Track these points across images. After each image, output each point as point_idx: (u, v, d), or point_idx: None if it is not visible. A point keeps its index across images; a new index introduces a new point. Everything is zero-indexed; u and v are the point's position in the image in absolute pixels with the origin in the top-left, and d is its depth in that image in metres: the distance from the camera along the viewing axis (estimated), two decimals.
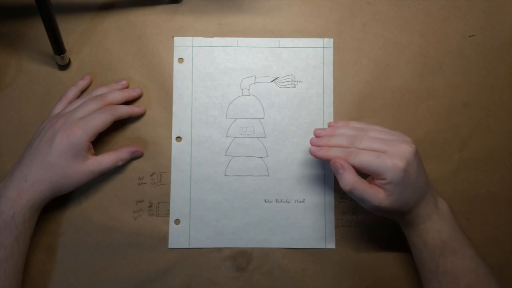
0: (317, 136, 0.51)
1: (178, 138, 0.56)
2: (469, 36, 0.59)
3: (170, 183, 0.56)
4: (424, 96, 0.58)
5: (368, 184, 0.46)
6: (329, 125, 0.53)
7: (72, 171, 0.50)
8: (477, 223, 0.56)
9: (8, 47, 0.57)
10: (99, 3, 0.59)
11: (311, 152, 0.49)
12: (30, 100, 0.57)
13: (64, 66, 0.57)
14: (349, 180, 0.46)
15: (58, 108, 0.54)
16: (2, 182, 0.49)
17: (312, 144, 0.50)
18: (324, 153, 0.49)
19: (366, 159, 0.46)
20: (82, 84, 0.56)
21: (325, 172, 0.56)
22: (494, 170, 0.57)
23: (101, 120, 0.51)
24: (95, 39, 0.58)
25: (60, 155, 0.49)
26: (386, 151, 0.46)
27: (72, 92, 0.56)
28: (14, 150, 0.55)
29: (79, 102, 0.54)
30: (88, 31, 0.58)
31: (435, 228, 0.47)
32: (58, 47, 0.54)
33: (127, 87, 0.57)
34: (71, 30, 0.58)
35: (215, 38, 0.58)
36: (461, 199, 0.57)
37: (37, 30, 0.57)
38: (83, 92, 0.57)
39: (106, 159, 0.53)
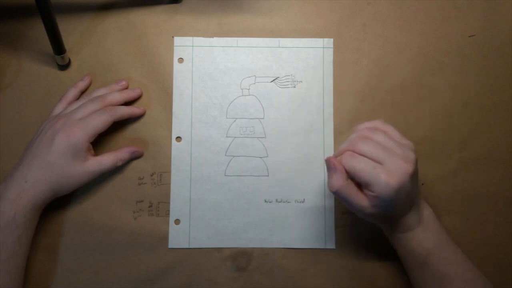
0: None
1: (178, 138, 0.56)
2: (469, 36, 0.59)
3: (170, 183, 0.56)
4: (424, 96, 0.58)
5: (355, 190, 0.45)
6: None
7: (72, 172, 0.50)
8: (477, 223, 0.56)
9: (8, 47, 0.57)
10: (99, 3, 0.59)
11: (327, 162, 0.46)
12: (30, 100, 0.57)
13: (64, 66, 0.57)
14: (337, 182, 0.44)
15: (58, 109, 0.54)
16: (3, 183, 0.49)
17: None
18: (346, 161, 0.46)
19: (361, 167, 0.43)
20: (81, 85, 0.56)
21: (325, 173, 0.56)
22: (494, 170, 0.57)
23: (101, 121, 0.51)
24: (95, 39, 0.58)
25: (60, 155, 0.49)
26: (384, 162, 0.43)
27: (72, 93, 0.56)
28: (14, 150, 0.55)
29: (79, 103, 0.54)
30: (88, 31, 0.58)
31: (417, 238, 0.47)
32: (58, 47, 0.54)
33: (126, 88, 0.57)
34: (71, 30, 0.58)
35: (215, 38, 0.58)
36: (461, 199, 0.57)
37: (37, 30, 0.57)
38: (83, 92, 0.57)
39: (106, 160, 0.53)
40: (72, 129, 0.50)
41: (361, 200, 0.44)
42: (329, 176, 0.45)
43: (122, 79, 0.57)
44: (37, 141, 0.50)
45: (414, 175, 0.44)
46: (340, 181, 0.44)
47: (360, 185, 0.45)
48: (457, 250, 0.48)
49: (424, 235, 0.47)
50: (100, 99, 0.53)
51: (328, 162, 0.45)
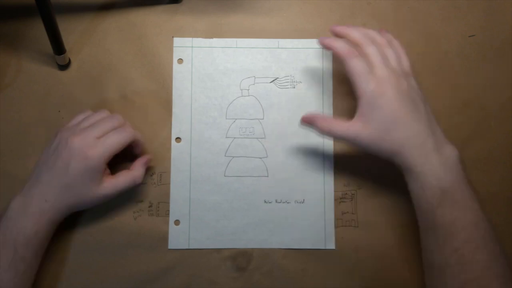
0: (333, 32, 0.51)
1: (178, 139, 0.57)
2: (469, 36, 0.59)
3: (170, 183, 0.56)
4: (424, 96, 0.58)
5: (342, 120, 0.48)
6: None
7: (89, 194, 0.50)
8: None
9: (8, 47, 0.57)
10: (99, 3, 0.59)
11: (319, 40, 0.51)
12: (30, 100, 0.57)
13: (64, 66, 0.57)
14: (324, 124, 0.48)
15: (77, 120, 0.53)
16: (21, 196, 0.49)
17: (320, 39, 0.51)
18: (329, 42, 0.50)
19: (358, 68, 0.47)
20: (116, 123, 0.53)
21: (324, 173, 0.56)
22: (494, 170, 0.57)
23: (118, 142, 0.50)
24: (95, 39, 0.58)
25: (76, 178, 0.49)
26: (379, 68, 0.47)
27: (101, 114, 0.54)
28: (14, 150, 0.55)
29: (96, 117, 0.52)
30: (88, 31, 0.58)
31: (434, 175, 0.45)
32: (58, 47, 0.54)
33: None
34: (71, 30, 0.58)
35: (214, 39, 0.58)
36: None
37: (37, 30, 0.57)
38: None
39: (121, 181, 0.52)
40: (89, 151, 0.49)
41: (353, 124, 0.47)
42: (316, 128, 0.49)
43: None
44: (52, 159, 0.50)
45: (404, 89, 0.47)
46: (325, 122, 0.48)
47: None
48: (476, 198, 0.45)
49: (442, 173, 0.45)
50: (118, 116, 0.52)
51: (305, 118, 0.50)
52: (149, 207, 0.55)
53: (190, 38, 0.58)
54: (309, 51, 0.58)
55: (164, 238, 0.55)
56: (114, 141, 0.50)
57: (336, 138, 0.49)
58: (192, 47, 0.58)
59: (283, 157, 0.56)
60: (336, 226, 0.56)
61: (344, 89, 0.58)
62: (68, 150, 0.49)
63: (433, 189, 0.45)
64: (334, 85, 0.58)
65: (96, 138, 0.50)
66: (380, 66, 0.47)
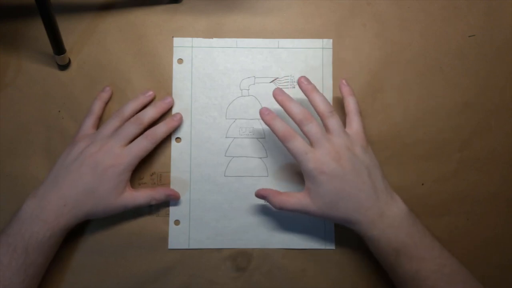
0: (275, 96, 0.51)
1: (178, 139, 0.57)
2: (469, 36, 0.59)
3: (169, 184, 0.56)
4: (424, 96, 0.58)
5: (292, 194, 0.50)
6: (340, 83, 0.55)
7: (110, 202, 0.50)
8: (477, 223, 0.56)
9: (8, 47, 0.57)
10: (99, 3, 0.59)
11: (260, 112, 0.51)
12: (30, 100, 0.57)
13: (64, 66, 0.57)
14: (274, 199, 0.50)
15: (88, 124, 0.54)
16: (35, 199, 0.49)
17: (261, 111, 0.51)
18: (269, 120, 0.50)
19: (295, 150, 0.48)
20: (105, 96, 0.56)
21: None
22: (494, 170, 0.57)
23: (143, 150, 0.52)
24: (95, 39, 0.58)
25: (103, 184, 0.50)
26: (317, 146, 0.48)
27: (98, 106, 0.55)
28: (14, 150, 0.55)
29: (114, 123, 0.53)
30: (88, 31, 0.58)
31: (384, 238, 0.47)
32: (58, 47, 0.54)
33: (154, 97, 0.57)
34: (71, 30, 0.58)
35: (214, 39, 0.58)
36: (461, 199, 0.57)
37: (37, 30, 0.57)
38: (107, 103, 0.57)
39: (141, 196, 0.52)
40: (117, 160, 0.50)
41: (300, 199, 0.49)
42: (269, 200, 0.51)
43: (149, 89, 0.56)
44: (76, 165, 0.50)
45: (345, 162, 0.48)
46: (276, 197, 0.50)
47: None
48: (434, 246, 0.47)
49: (391, 234, 0.47)
50: (138, 121, 0.53)
51: (257, 194, 0.52)
52: (149, 207, 0.55)
53: (190, 38, 0.58)
54: (309, 51, 0.58)
55: (165, 238, 0.55)
56: (139, 149, 0.52)
57: (289, 211, 0.50)
58: (192, 47, 0.58)
59: (283, 157, 0.56)
60: (336, 226, 0.56)
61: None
62: (95, 158, 0.50)
63: (387, 250, 0.47)
64: (334, 85, 0.58)
65: (122, 147, 0.51)
66: (319, 144, 0.48)
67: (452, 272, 0.46)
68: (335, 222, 0.51)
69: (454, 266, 0.47)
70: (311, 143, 0.49)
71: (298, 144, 0.49)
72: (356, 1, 0.59)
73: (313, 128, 0.49)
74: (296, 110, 0.50)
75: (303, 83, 0.52)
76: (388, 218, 0.47)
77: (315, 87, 0.52)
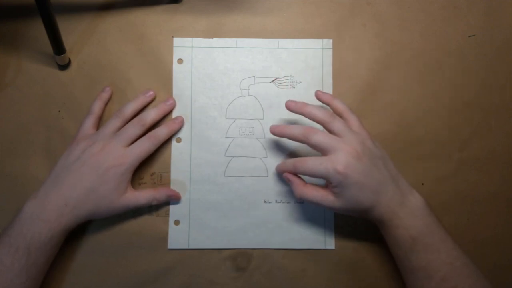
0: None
1: (178, 139, 0.57)
2: (469, 36, 0.59)
3: (169, 184, 0.56)
4: (424, 96, 0.58)
5: (316, 189, 0.50)
6: (317, 95, 0.54)
7: (112, 202, 0.51)
8: (477, 223, 0.56)
9: (8, 47, 0.57)
10: (99, 3, 0.59)
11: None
12: (30, 100, 0.57)
13: (64, 66, 0.57)
14: (297, 190, 0.50)
15: (88, 124, 0.54)
16: (36, 200, 0.49)
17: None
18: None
19: (310, 167, 0.48)
20: (105, 96, 0.56)
21: None
22: (494, 170, 0.57)
23: (145, 151, 0.52)
24: (95, 39, 0.58)
25: (105, 184, 0.50)
26: (333, 151, 0.47)
27: (98, 106, 0.55)
28: (14, 150, 0.55)
29: (115, 123, 0.53)
30: (88, 31, 0.58)
31: (403, 225, 0.47)
32: (58, 47, 0.54)
33: (154, 97, 0.57)
34: (71, 30, 0.58)
35: (214, 39, 0.58)
36: (461, 199, 0.57)
37: (37, 30, 0.57)
38: (107, 103, 0.57)
39: (143, 196, 0.53)
40: (119, 160, 0.50)
41: (326, 196, 0.49)
42: (292, 187, 0.51)
43: (149, 89, 0.56)
44: (77, 165, 0.50)
45: (362, 156, 0.47)
46: (299, 188, 0.50)
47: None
48: (447, 239, 0.48)
49: (410, 222, 0.47)
50: (140, 123, 0.53)
51: (285, 177, 0.52)
52: (149, 207, 0.55)
53: (190, 38, 0.58)
54: (309, 51, 0.58)
55: (165, 238, 0.55)
56: (141, 150, 0.52)
57: (308, 202, 0.51)
58: (192, 47, 0.58)
59: (283, 157, 0.56)
60: (336, 226, 0.56)
61: (344, 89, 0.58)
62: (97, 158, 0.50)
63: (404, 238, 0.47)
64: (333, 85, 0.58)
65: (124, 147, 0.51)
66: (346, 137, 0.49)
67: (463, 266, 0.47)
68: (355, 216, 0.51)
69: (465, 260, 0.47)
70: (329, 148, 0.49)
71: (322, 137, 0.49)
72: (356, 1, 0.59)
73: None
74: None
75: (291, 104, 0.52)
76: (407, 207, 0.48)
77: (304, 103, 0.52)
